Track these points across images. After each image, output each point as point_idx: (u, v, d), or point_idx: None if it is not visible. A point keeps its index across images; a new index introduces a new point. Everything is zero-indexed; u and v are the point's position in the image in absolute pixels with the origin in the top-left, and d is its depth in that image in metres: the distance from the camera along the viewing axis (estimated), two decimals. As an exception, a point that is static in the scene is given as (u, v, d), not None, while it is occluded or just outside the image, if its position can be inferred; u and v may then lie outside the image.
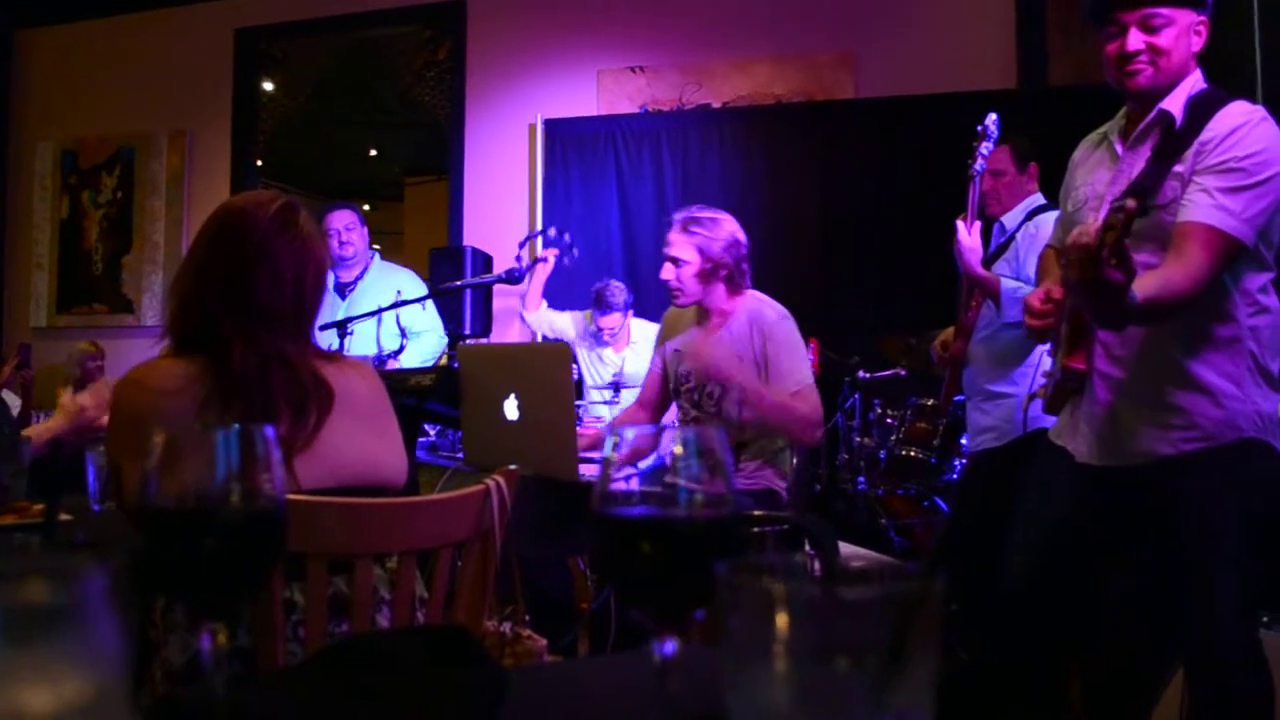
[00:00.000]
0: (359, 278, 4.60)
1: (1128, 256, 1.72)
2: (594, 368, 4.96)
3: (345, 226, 4.57)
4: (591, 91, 5.88)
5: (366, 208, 12.31)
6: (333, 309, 4.47)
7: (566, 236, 5.01)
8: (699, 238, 3.06)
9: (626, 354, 4.87)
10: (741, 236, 3.12)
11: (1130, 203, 1.70)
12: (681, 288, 3.10)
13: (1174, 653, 2.45)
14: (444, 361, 4.61)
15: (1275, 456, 2.07)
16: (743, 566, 0.52)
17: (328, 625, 1.61)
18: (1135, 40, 2.11)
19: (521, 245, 5.28)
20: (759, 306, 3.13)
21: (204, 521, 0.72)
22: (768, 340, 3.03)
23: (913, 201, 4.97)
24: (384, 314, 4.27)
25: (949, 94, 5.01)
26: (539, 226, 5.70)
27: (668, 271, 3.11)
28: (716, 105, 5.67)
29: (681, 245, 3.07)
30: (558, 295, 5.34)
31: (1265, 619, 2.53)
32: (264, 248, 1.75)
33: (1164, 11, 2.09)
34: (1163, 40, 2.09)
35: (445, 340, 4.76)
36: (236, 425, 0.76)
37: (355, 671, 0.89)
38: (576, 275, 5.56)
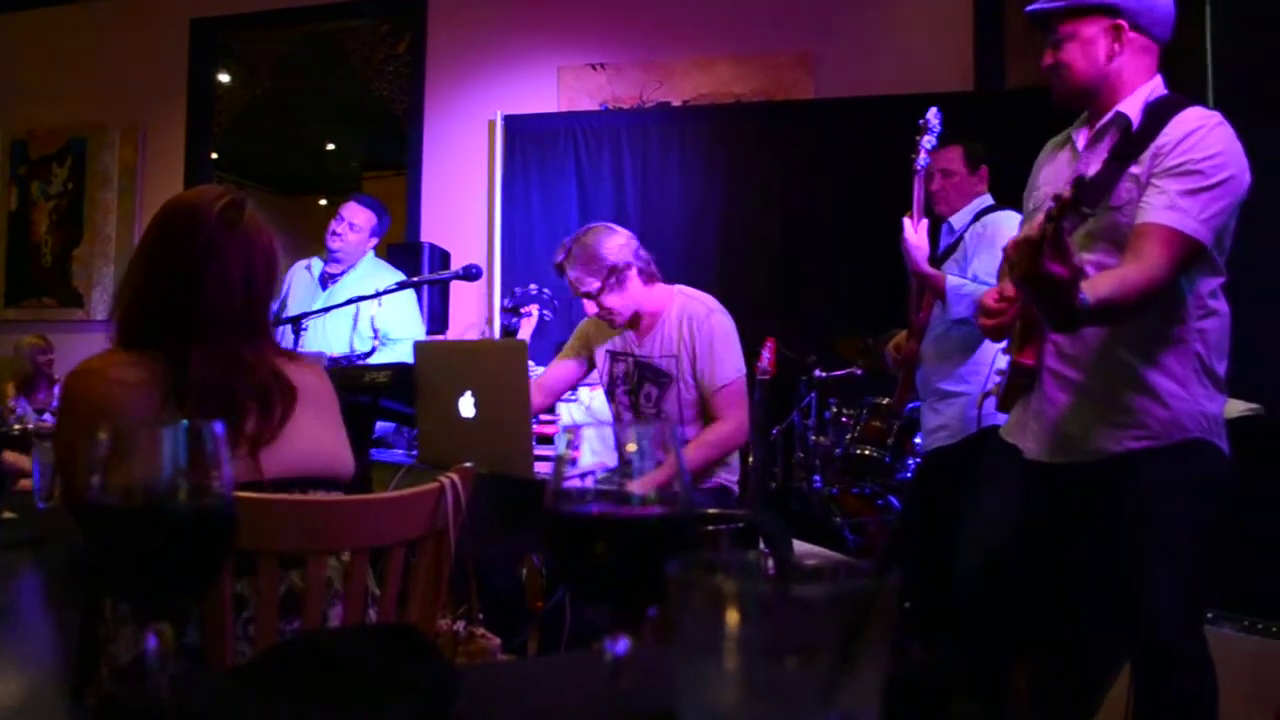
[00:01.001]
0: (345, 271, 4.50)
1: (1066, 248, 1.74)
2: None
3: (350, 224, 4.43)
4: (552, 88, 5.86)
5: (323, 202, 12.23)
6: (312, 297, 4.41)
7: (546, 291, 4.96)
8: (588, 265, 3.06)
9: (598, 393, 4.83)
10: (624, 239, 3.11)
11: (1065, 192, 1.72)
12: (613, 313, 3.11)
13: (1120, 649, 2.49)
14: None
15: (1220, 456, 2.11)
16: (694, 564, 0.52)
17: (279, 623, 1.60)
18: (1047, 57, 2.23)
19: (506, 305, 5.23)
20: (688, 303, 3.13)
21: (150, 519, 0.71)
22: (695, 336, 3.05)
23: (871, 201, 4.99)
24: (359, 314, 4.23)
25: (907, 95, 5.04)
26: (498, 223, 5.67)
27: (591, 309, 3.13)
28: (677, 103, 5.67)
29: (582, 282, 3.08)
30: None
31: (1210, 615, 2.58)
32: (211, 246, 1.74)
33: (1061, 28, 2.19)
34: (1064, 55, 2.19)
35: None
36: (185, 422, 0.75)
37: (304, 670, 0.89)
38: (539, 275, 5.55)
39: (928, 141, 3.26)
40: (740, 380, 3.06)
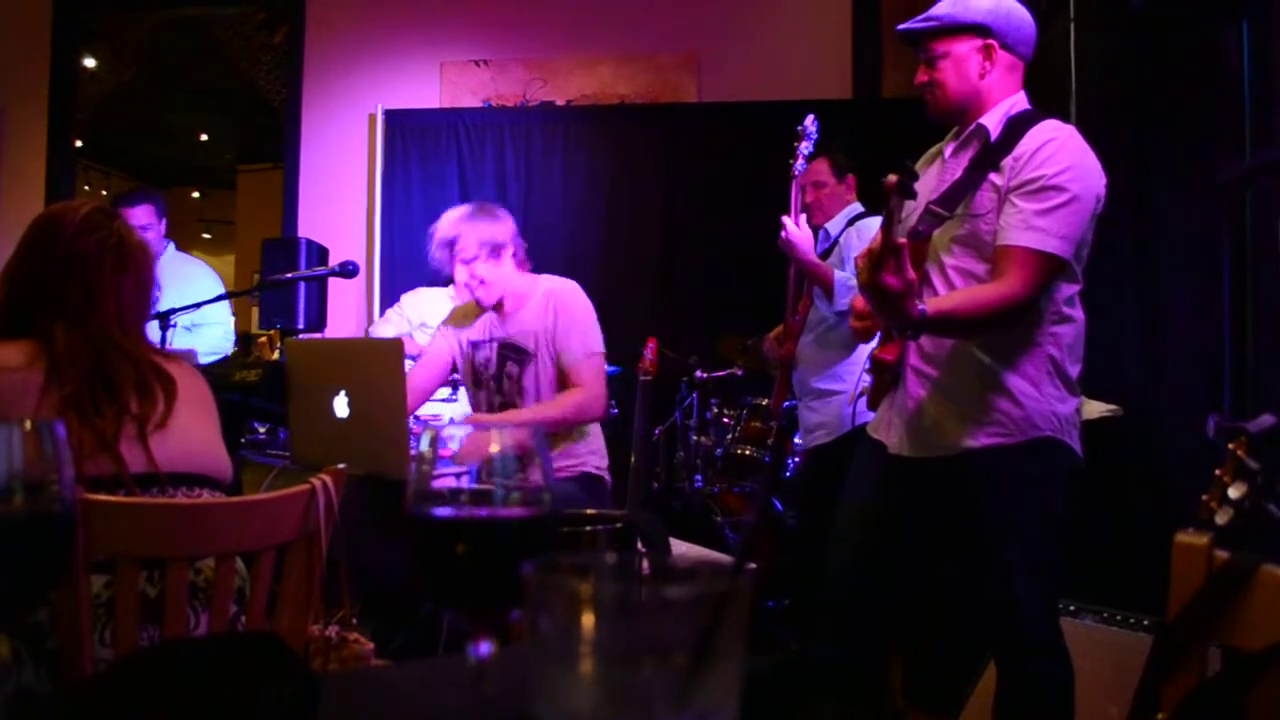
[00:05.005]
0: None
1: (901, 261, 1.80)
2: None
3: (141, 226, 4.25)
4: (434, 83, 5.79)
5: (196, 195, 11.84)
6: None
7: None
8: (470, 232, 3.12)
9: None
10: (508, 222, 3.20)
11: (890, 178, 1.77)
12: (483, 284, 3.15)
13: (986, 640, 2.57)
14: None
15: (1072, 455, 2.19)
16: (549, 566, 0.51)
17: (139, 629, 1.54)
18: (921, 74, 2.29)
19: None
20: (552, 285, 3.22)
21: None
22: (558, 313, 3.13)
23: (752, 205, 5.06)
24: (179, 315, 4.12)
25: (788, 101, 5.13)
26: (378, 219, 5.57)
27: (461, 277, 3.16)
28: (561, 103, 5.66)
29: (464, 248, 3.12)
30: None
31: (1071, 608, 2.68)
32: (75, 249, 1.80)
33: (935, 46, 2.25)
34: (938, 73, 2.25)
35: (231, 337, 4.54)
36: (26, 421, 0.71)
37: (159, 682, 0.85)
38: (416, 270, 5.47)
39: (805, 148, 3.35)
40: (600, 357, 3.15)
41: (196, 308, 3.50)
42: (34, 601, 0.72)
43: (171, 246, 4.51)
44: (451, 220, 3.17)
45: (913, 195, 1.88)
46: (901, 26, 2.30)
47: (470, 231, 3.11)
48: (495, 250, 3.11)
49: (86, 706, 0.84)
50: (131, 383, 1.74)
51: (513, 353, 3.18)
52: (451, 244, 3.13)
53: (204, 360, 4.22)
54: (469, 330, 3.29)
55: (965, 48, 2.23)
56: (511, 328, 3.20)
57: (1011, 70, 2.26)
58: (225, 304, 4.51)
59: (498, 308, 3.21)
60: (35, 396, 1.66)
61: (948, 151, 2.33)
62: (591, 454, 3.18)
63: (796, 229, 3.26)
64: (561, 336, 3.10)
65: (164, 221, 4.47)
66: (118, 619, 1.52)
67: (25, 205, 5.92)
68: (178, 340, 4.16)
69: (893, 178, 1.77)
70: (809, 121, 3.34)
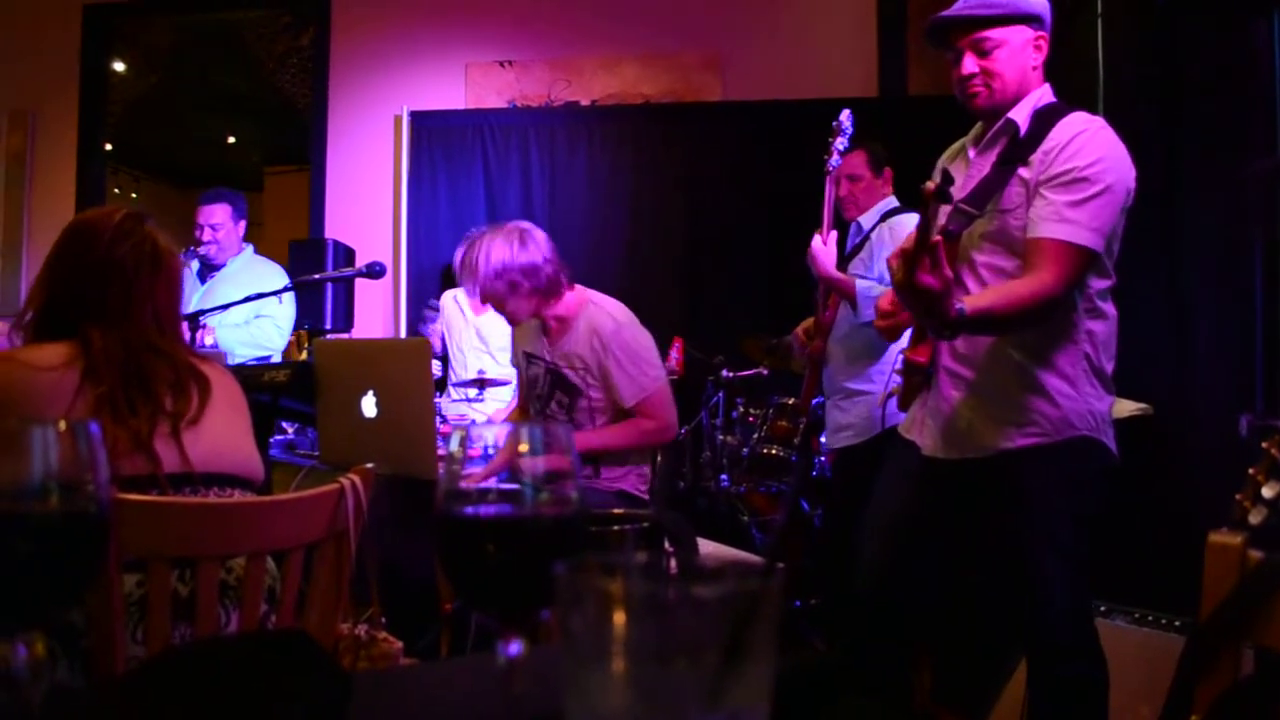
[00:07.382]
0: (222, 265, 4.42)
1: (939, 260, 1.77)
2: (459, 342, 4.81)
3: (212, 225, 4.37)
4: (459, 85, 5.81)
5: (224, 197, 11.91)
6: (191, 291, 4.32)
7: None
8: (492, 277, 2.96)
9: (487, 314, 4.76)
10: (532, 256, 2.97)
11: (929, 185, 1.74)
12: (515, 316, 3.08)
13: (1017, 641, 2.55)
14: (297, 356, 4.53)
15: (1107, 454, 2.17)
16: (581, 566, 0.51)
17: (171, 627, 1.56)
18: (969, 64, 2.19)
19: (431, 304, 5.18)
20: (596, 315, 3.03)
21: (15, 525, 0.68)
22: (605, 354, 2.96)
23: (776, 203, 5.07)
24: (242, 309, 4.13)
25: (812, 100, 5.12)
26: (404, 220, 5.60)
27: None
28: (585, 103, 5.67)
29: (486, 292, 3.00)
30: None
31: (1103, 608, 2.66)
32: (111, 255, 1.83)
33: (993, 34, 2.16)
34: (994, 63, 2.17)
35: (284, 333, 4.48)
36: (60, 421, 0.72)
37: (193, 678, 0.86)
38: (442, 271, 5.50)
39: (840, 144, 3.32)
40: (660, 385, 3.00)
41: (224, 309, 3.54)
42: (70, 601, 0.73)
43: (250, 249, 4.55)
44: (484, 268, 2.97)
45: (950, 200, 1.86)
46: (958, 11, 2.19)
47: (485, 281, 2.96)
48: (518, 287, 2.97)
49: (119, 704, 0.85)
50: (167, 382, 1.78)
51: (561, 384, 3.06)
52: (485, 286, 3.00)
53: (255, 353, 4.27)
54: (528, 341, 3.19)
55: (1021, 38, 2.17)
56: (558, 354, 3.07)
57: (1043, 64, 2.24)
58: (287, 301, 4.47)
59: (545, 329, 3.11)
60: (69, 396, 1.68)
61: (972, 149, 2.30)
62: (632, 473, 3.11)
63: (821, 246, 3.26)
64: (616, 384, 2.95)
65: (242, 223, 4.52)
66: (150, 617, 1.53)
67: (56, 207, 6.00)
68: (233, 334, 4.20)
69: (931, 184, 1.74)
70: (844, 116, 3.31)
